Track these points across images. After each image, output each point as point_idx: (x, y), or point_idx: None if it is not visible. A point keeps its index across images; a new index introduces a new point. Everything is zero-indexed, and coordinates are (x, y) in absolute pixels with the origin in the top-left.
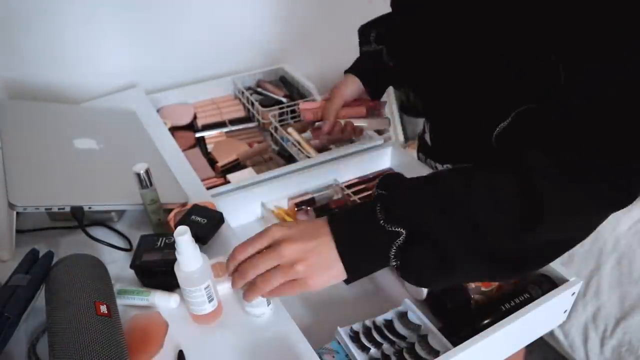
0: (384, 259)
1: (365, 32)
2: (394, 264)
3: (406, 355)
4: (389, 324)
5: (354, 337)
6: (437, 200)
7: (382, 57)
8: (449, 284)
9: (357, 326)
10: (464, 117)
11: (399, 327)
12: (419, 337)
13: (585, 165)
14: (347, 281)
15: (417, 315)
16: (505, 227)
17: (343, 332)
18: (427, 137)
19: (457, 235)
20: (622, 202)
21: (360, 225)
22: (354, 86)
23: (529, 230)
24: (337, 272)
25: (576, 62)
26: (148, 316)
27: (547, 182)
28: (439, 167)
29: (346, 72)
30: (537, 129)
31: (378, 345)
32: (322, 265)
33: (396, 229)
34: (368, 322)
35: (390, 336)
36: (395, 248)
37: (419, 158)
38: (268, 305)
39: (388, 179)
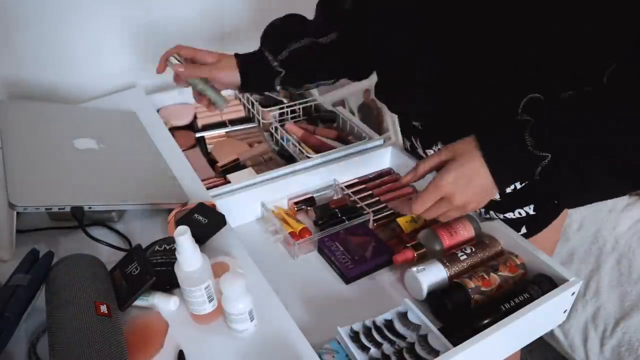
0: (530, 175)
1: (274, 41)
2: (538, 178)
3: (406, 355)
4: (389, 324)
5: (354, 337)
6: (580, 128)
7: (274, 79)
8: (585, 202)
9: (357, 326)
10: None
11: (399, 327)
12: (419, 337)
13: None
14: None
15: (417, 315)
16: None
17: (343, 332)
18: (421, 151)
19: (599, 159)
20: None
21: (512, 150)
22: (232, 77)
23: None
24: (492, 192)
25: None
26: (148, 316)
27: None
28: (429, 152)
29: (238, 57)
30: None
31: (378, 345)
32: (484, 196)
33: (543, 154)
34: (368, 322)
35: (390, 336)
36: (540, 168)
37: (405, 148)
38: (251, 321)
39: (532, 104)
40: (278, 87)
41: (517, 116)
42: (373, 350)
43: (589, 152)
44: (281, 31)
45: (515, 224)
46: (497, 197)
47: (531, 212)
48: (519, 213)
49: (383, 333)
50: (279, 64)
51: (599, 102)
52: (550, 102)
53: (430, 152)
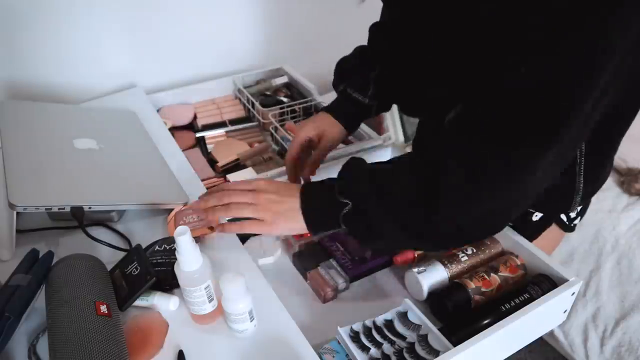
0: (336, 221)
1: (359, 76)
2: (343, 227)
3: (406, 355)
4: (389, 324)
5: (354, 337)
6: (374, 184)
7: (371, 111)
8: (384, 248)
9: (357, 326)
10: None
11: (399, 327)
12: (419, 337)
13: (479, 148)
14: (311, 233)
15: (417, 315)
16: (415, 211)
17: (343, 332)
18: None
19: (384, 212)
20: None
21: (322, 193)
22: (341, 134)
23: (432, 214)
24: (298, 225)
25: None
26: (148, 316)
27: (445, 176)
28: None
29: (332, 112)
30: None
31: (378, 345)
32: (287, 216)
33: (344, 201)
34: (368, 322)
35: (391, 336)
36: (342, 214)
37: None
38: (251, 321)
39: (352, 161)
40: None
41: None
42: (373, 350)
43: (378, 208)
44: (357, 66)
45: None
46: (305, 232)
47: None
48: None
49: (383, 333)
50: (370, 99)
51: (398, 162)
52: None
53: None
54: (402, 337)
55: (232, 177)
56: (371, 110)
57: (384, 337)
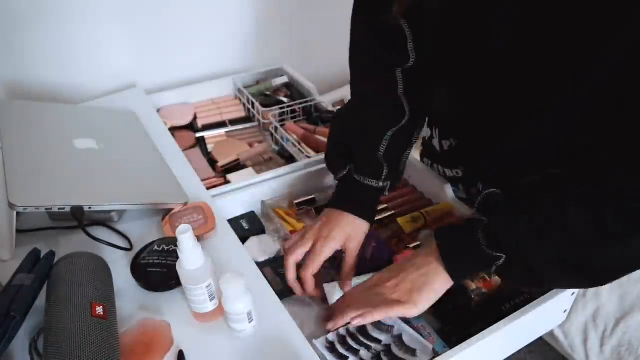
0: (485, 271)
1: (368, 158)
2: (494, 274)
3: (384, 358)
4: (362, 329)
5: (330, 347)
6: (533, 227)
7: (385, 190)
8: (539, 290)
9: (331, 336)
10: (508, 129)
11: (372, 330)
12: (393, 338)
13: None
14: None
15: (388, 317)
16: (598, 246)
17: (319, 344)
18: (436, 142)
19: (551, 260)
20: None
21: (467, 250)
22: (365, 229)
23: (625, 245)
24: (441, 289)
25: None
26: (156, 325)
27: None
28: (447, 172)
29: (345, 207)
30: (609, 143)
31: (355, 352)
32: (425, 288)
33: (497, 254)
34: (342, 331)
35: (365, 341)
36: (495, 267)
37: (423, 162)
38: (250, 322)
39: (487, 204)
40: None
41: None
42: (351, 358)
43: (545, 256)
44: (359, 143)
45: None
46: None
47: None
48: None
49: (358, 339)
50: (384, 180)
51: (558, 195)
52: (507, 198)
53: (447, 171)
54: (377, 341)
55: (232, 177)
56: (385, 189)
57: (359, 343)
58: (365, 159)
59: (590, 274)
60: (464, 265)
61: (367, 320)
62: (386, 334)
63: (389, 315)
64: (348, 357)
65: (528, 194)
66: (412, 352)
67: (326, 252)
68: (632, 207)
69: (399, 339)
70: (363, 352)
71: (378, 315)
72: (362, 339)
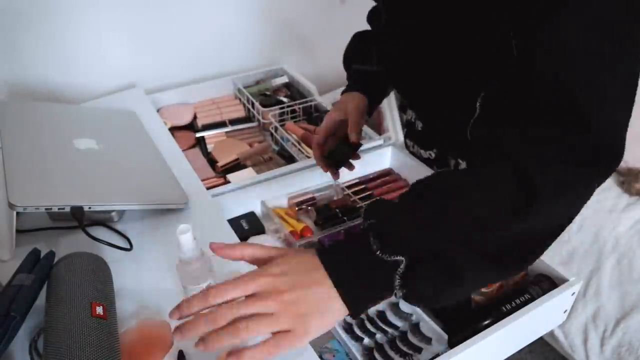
0: (388, 289)
1: (360, 50)
2: (400, 294)
3: (399, 344)
4: (381, 314)
5: (348, 328)
6: (429, 216)
7: (382, 76)
8: (459, 297)
9: (350, 318)
10: (441, 109)
11: (391, 316)
12: (411, 326)
13: (555, 136)
14: (352, 316)
15: (408, 305)
16: (501, 220)
17: (337, 324)
18: (418, 124)
19: (458, 244)
20: (605, 166)
21: (356, 260)
22: (362, 100)
23: (523, 217)
24: (336, 315)
25: (525, 35)
26: (156, 325)
27: (532, 161)
28: (423, 153)
29: (350, 90)
30: (502, 112)
31: (371, 335)
32: (318, 312)
33: (395, 258)
34: None
35: (383, 326)
36: (398, 277)
37: (406, 145)
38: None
39: (374, 206)
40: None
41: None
42: (367, 340)
43: (450, 242)
44: (357, 47)
45: None
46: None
47: None
48: None
49: (376, 323)
50: (378, 65)
51: (451, 178)
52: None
53: (423, 152)
54: (395, 327)
55: (232, 177)
56: (382, 76)
57: (377, 327)
58: (358, 52)
59: (503, 256)
60: (357, 285)
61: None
62: (404, 321)
63: (274, 355)
64: (363, 339)
65: (420, 190)
66: (428, 340)
67: (328, 119)
68: (528, 176)
69: (416, 326)
70: (379, 335)
71: (261, 355)
72: (380, 323)
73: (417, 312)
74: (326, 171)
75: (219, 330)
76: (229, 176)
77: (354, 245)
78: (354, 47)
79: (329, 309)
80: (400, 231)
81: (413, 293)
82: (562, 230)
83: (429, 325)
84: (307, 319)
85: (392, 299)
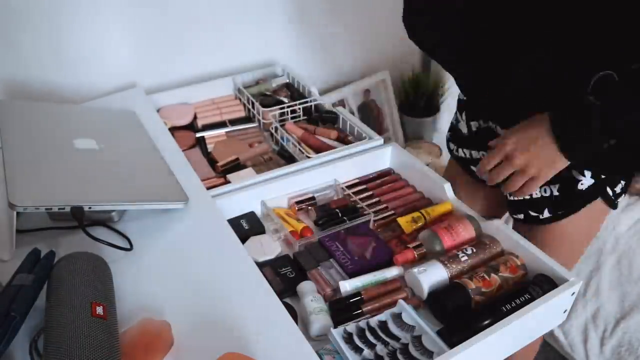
0: (599, 147)
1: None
2: (606, 149)
3: (400, 356)
4: (383, 324)
5: (347, 338)
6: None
7: None
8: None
9: (350, 327)
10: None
11: (393, 328)
12: (412, 338)
13: None
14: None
15: (411, 316)
16: None
17: (336, 333)
18: (463, 125)
19: None
20: None
21: (580, 130)
22: None
23: None
24: (560, 165)
25: None
26: (156, 325)
27: None
28: (474, 154)
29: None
30: None
31: (371, 346)
32: (548, 164)
33: (608, 138)
34: (362, 324)
35: (384, 337)
36: (606, 145)
37: (448, 147)
38: None
39: (602, 85)
40: None
41: (583, 93)
42: (366, 352)
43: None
44: None
45: (538, 205)
46: (564, 167)
47: (555, 192)
48: (544, 191)
49: (377, 334)
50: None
51: None
52: (618, 81)
53: (474, 153)
54: (396, 338)
55: (232, 177)
56: None
57: (378, 338)
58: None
59: None
60: (580, 152)
61: (532, 188)
62: (406, 333)
63: (530, 191)
64: (363, 350)
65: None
66: (430, 354)
67: None
68: None
69: (418, 339)
70: (379, 347)
71: (529, 191)
72: (381, 334)
73: (420, 325)
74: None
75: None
76: (229, 176)
77: (579, 121)
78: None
79: (557, 162)
80: (617, 120)
81: (611, 156)
82: None
83: (432, 339)
84: (543, 169)
85: (395, 309)
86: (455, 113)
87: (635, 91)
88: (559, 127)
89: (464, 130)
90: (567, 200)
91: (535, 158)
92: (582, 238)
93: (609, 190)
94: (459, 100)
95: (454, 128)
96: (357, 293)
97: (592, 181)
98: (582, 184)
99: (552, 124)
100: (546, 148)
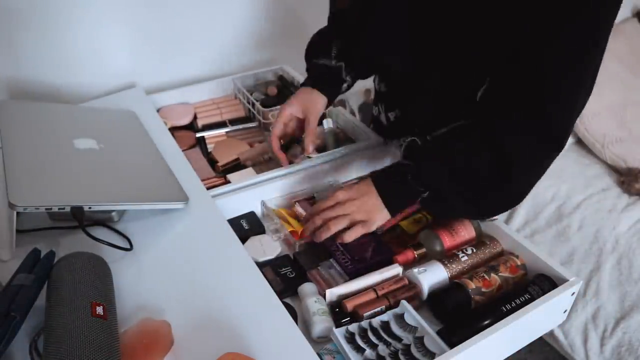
0: (414, 201)
1: (322, 45)
2: (421, 204)
3: (401, 357)
4: (385, 325)
5: (349, 338)
6: (446, 169)
7: (341, 73)
8: (454, 217)
9: (353, 327)
10: (440, 93)
11: (395, 328)
12: (415, 339)
13: (529, 127)
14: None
15: (413, 317)
16: (486, 184)
17: (338, 333)
18: (383, 117)
19: (457, 192)
20: (552, 144)
21: (397, 185)
22: (322, 102)
23: (504, 183)
24: (384, 214)
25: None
26: (156, 325)
27: (513, 144)
28: (395, 142)
29: (308, 85)
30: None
31: (373, 346)
32: (374, 211)
33: (422, 189)
34: (364, 324)
35: (386, 337)
36: (421, 199)
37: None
38: None
39: (410, 152)
40: (348, 78)
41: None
42: (368, 352)
43: (457, 192)
44: (318, 41)
45: None
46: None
47: None
48: None
49: (379, 334)
50: (336, 60)
51: (460, 145)
52: (424, 146)
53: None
54: (398, 339)
55: (232, 177)
56: (341, 71)
57: (380, 338)
58: (318, 44)
59: (482, 208)
60: (395, 199)
61: (352, 237)
62: (408, 334)
63: (357, 235)
64: (365, 350)
65: (440, 143)
66: (432, 355)
67: (284, 112)
68: (505, 152)
69: (420, 340)
70: (381, 347)
71: (356, 234)
72: (383, 334)
73: (422, 326)
74: (286, 164)
75: (321, 230)
76: (229, 176)
77: (396, 177)
78: (314, 40)
79: (381, 209)
80: (427, 175)
81: (427, 208)
82: (525, 195)
83: (434, 340)
84: (371, 214)
85: (397, 310)
86: (376, 105)
87: (436, 153)
88: (381, 186)
89: (384, 121)
90: None
91: (364, 206)
92: None
93: None
94: (378, 93)
95: (376, 119)
96: (339, 303)
97: None
98: None
99: (375, 184)
100: (373, 200)
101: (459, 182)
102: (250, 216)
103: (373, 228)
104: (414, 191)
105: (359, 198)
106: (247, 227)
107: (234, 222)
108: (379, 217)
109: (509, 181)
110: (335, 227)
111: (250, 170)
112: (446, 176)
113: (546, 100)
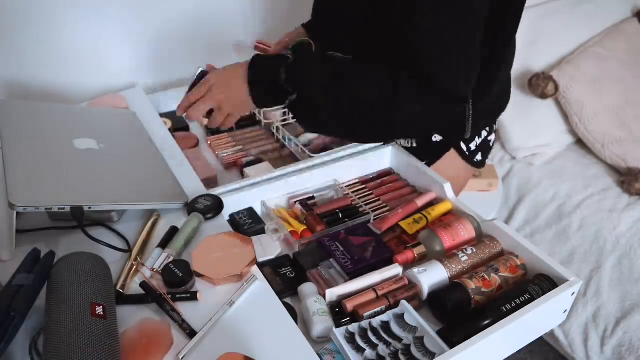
0: (281, 103)
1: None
2: (286, 109)
3: (401, 357)
4: (385, 325)
5: (349, 338)
6: (324, 77)
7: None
8: (322, 133)
9: (353, 327)
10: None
11: (395, 328)
12: (415, 339)
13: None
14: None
15: (413, 317)
16: (372, 101)
17: (338, 333)
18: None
19: (331, 104)
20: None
21: (268, 78)
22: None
23: (392, 108)
24: (249, 107)
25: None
26: (156, 325)
27: (403, 87)
28: None
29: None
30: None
31: (373, 346)
32: (240, 104)
33: (291, 89)
34: (364, 324)
35: (386, 337)
36: (287, 101)
37: None
38: None
39: (298, 49)
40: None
41: None
42: (368, 352)
43: (327, 101)
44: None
45: (416, 154)
46: (252, 110)
47: (414, 144)
48: (407, 142)
49: (379, 334)
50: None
51: (352, 62)
52: (314, 52)
53: None
54: (398, 339)
55: (249, 171)
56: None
57: (380, 338)
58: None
59: (356, 129)
60: (264, 99)
61: (229, 124)
62: (408, 334)
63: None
64: (365, 350)
65: (340, 59)
66: (432, 355)
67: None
68: (401, 76)
69: (420, 340)
70: (381, 347)
71: (216, 123)
72: (383, 334)
73: (423, 326)
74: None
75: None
76: (246, 170)
77: (270, 69)
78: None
79: (248, 104)
80: (301, 75)
81: (293, 114)
82: (405, 133)
83: (434, 340)
84: (236, 107)
85: (397, 310)
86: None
87: (326, 62)
88: (253, 74)
89: None
90: (424, 151)
91: (229, 98)
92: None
93: (462, 145)
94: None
95: None
96: (339, 303)
97: (441, 137)
98: (435, 136)
99: (247, 71)
100: (239, 90)
101: (337, 96)
102: (249, 212)
103: (236, 119)
104: (282, 89)
105: (227, 90)
106: (247, 226)
107: (234, 221)
108: (244, 109)
109: (392, 110)
110: (196, 110)
111: (266, 164)
112: (322, 84)
113: (424, 61)
